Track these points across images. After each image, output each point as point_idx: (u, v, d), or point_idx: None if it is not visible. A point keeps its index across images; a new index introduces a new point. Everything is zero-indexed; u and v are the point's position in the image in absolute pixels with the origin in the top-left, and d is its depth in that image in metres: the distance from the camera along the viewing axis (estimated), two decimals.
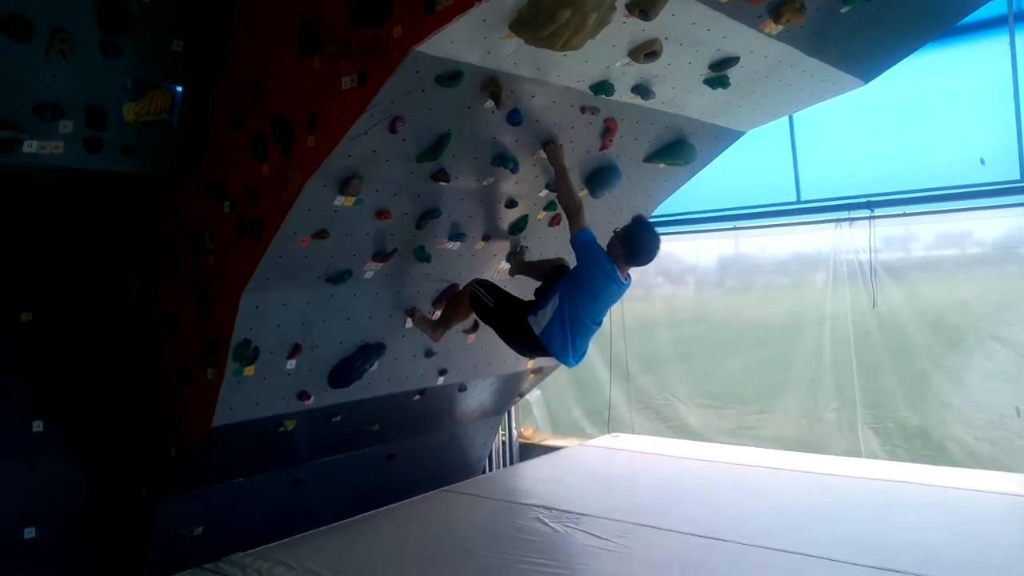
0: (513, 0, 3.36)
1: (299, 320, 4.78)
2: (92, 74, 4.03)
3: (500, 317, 4.89)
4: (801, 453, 6.56)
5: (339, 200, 4.26)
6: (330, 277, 4.73)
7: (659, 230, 7.46)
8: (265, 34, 4.26)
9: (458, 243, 5.18)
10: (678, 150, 5.51)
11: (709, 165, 6.09)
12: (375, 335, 5.26)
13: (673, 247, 7.40)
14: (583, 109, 4.67)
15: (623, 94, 4.62)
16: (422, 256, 5.06)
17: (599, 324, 4.83)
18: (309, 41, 3.99)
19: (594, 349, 7.67)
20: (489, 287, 4.99)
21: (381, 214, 4.54)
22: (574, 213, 4.71)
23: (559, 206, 5.07)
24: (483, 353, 6.13)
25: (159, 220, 5.00)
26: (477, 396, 6.66)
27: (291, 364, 4.86)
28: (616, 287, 4.66)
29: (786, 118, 6.40)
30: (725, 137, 5.78)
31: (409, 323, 5.39)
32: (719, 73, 4.60)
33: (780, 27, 4.18)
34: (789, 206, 6.54)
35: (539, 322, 4.67)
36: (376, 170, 4.23)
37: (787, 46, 4.49)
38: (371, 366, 5.28)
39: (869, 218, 6.07)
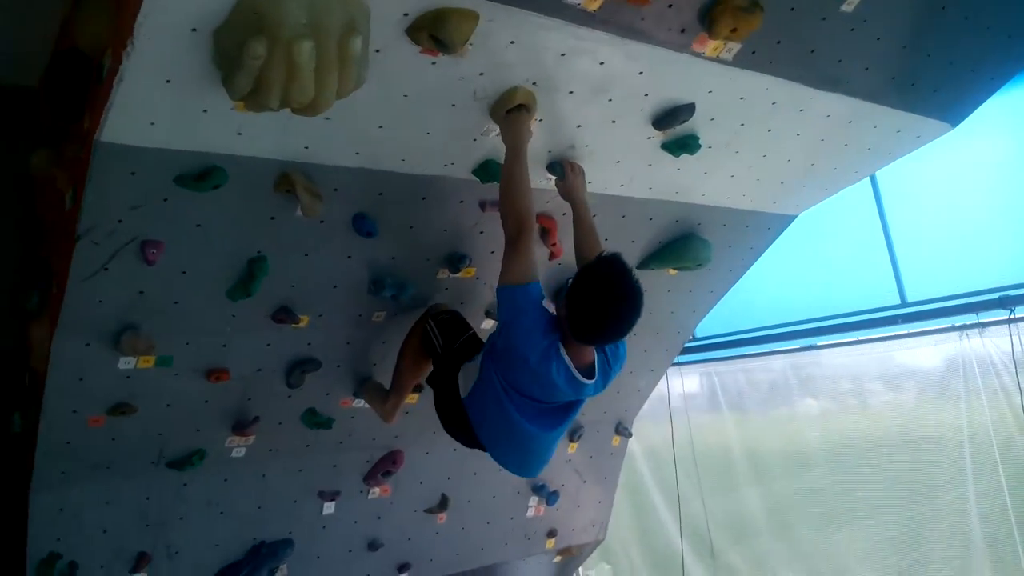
0: (184, 43, 2.08)
1: (139, 520, 3.55)
2: None
3: (442, 370, 3.15)
4: None
5: (127, 362, 3.05)
6: (171, 462, 3.49)
7: (701, 358, 5.91)
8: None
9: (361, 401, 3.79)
10: (680, 249, 3.89)
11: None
12: (274, 530, 3.91)
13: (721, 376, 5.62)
14: (483, 205, 3.24)
15: (534, 178, 3.15)
16: (315, 421, 3.71)
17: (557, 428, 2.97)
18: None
19: (664, 505, 5.94)
20: (448, 321, 3.27)
21: (212, 374, 3.28)
22: (511, 240, 2.72)
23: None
24: (465, 537, 4.58)
25: None
26: None
27: None
28: (564, 386, 2.72)
29: (869, 191, 4.59)
30: (763, 225, 4.09)
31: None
32: (670, 129, 3.04)
33: (727, 44, 2.62)
34: (890, 312, 4.56)
35: (467, 378, 2.94)
36: (165, 318, 2.99)
37: (770, 77, 2.90)
38: (273, 572, 3.91)
39: (1008, 321, 4.02)
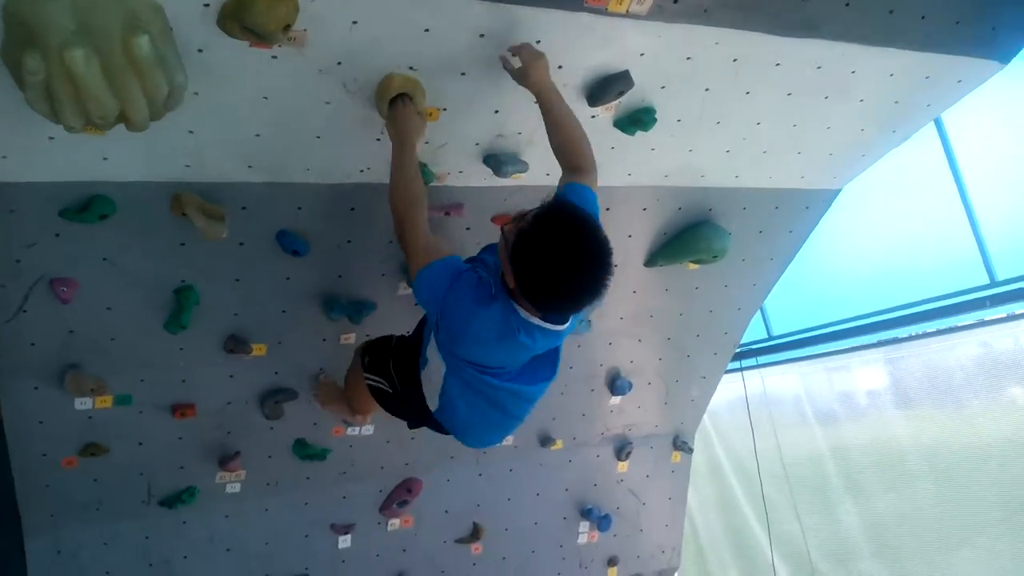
0: None
1: (142, 560, 3.52)
2: None
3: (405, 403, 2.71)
4: None
5: (83, 403, 3.01)
6: (162, 501, 3.44)
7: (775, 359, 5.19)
8: None
9: (357, 428, 3.59)
10: (689, 241, 3.42)
11: None
12: (289, 565, 3.77)
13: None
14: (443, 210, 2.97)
15: (474, 174, 2.85)
16: (307, 453, 3.55)
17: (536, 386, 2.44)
18: None
19: (761, 533, 5.33)
20: (373, 364, 2.79)
21: (178, 410, 3.19)
22: (399, 236, 2.31)
23: None
24: (506, 567, 4.24)
25: None
26: None
27: None
28: (540, 341, 2.20)
29: (937, 148, 3.89)
30: (798, 204, 3.55)
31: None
32: (611, 103, 2.65)
33: None
34: (975, 293, 3.79)
35: (432, 391, 2.47)
36: (107, 356, 2.92)
37: (713, 29, 2.47)
38: None
39: None
